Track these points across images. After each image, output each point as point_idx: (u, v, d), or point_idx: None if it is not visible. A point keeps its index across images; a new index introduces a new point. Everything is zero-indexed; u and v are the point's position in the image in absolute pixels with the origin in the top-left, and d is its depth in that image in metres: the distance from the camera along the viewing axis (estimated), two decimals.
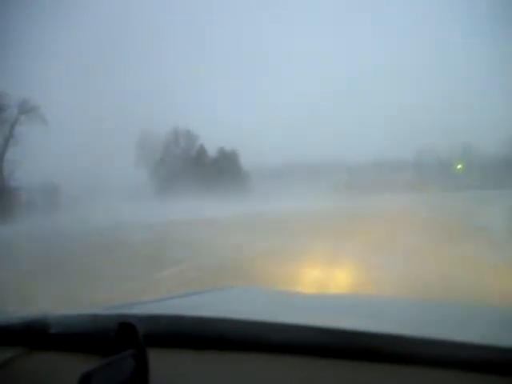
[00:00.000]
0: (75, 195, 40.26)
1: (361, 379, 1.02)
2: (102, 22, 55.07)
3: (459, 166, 53.10)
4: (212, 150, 56.10)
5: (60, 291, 7.32)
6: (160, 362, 1.05)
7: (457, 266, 8.91)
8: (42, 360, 1.22)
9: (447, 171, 50.90)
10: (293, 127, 55.39)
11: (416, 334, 1.07)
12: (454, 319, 1.48)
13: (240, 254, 11.54)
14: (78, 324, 1.31)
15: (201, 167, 51.76)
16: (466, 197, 33.23)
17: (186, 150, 56.23)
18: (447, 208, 26.49)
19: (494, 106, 50.64)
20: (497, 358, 0.98)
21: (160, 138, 54.36)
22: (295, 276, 8.71)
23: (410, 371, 1.01)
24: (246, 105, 63.89)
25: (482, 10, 49.99)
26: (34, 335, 1.27)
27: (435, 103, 54.40)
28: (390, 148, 51.49)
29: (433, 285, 6.85)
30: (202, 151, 55.72)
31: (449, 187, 44.92)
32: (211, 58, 71.65)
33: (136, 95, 51.77)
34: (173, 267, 9.83)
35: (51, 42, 44.81)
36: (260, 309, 1.65)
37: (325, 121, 56.33)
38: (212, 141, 53.96)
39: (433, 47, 60.83)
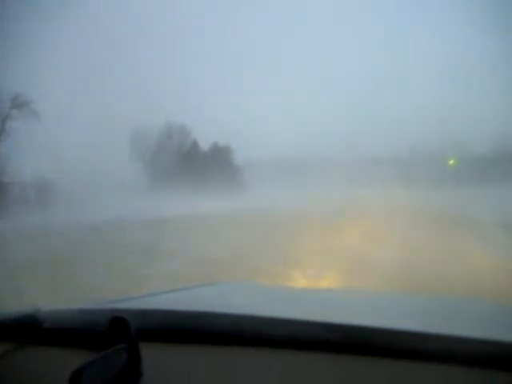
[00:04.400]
0: (68, 191, 40.05)
1: (359, 374, 1.02)
2: (96, 16, 54.68)
3: (451, 162, 53.36)
4: (206, 145, 56.03)
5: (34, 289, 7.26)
6: (152, 356, 1.05)
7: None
8: (34, 355, 1.22)
9: (439, 167, 51.07)
10: (287, 123, 55.35)
11: (415, 328, 1.08)
12: (452, 314, 1.49)
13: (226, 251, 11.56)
14: (70, 319, 1.30)
15: (194, 162, 51.62)
16: (455, 191, 33.54)
17: (180, 145, 56.07)
18: (436, 202, 26.72)
19: (486, 104, 50.92)
20: (498, 352, 0.98)
21: (153, 133, 54.19)
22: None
23: (409, 366, 1.01)
24: (240, 100, 63.70)
25: (478, 10, 50.09)
26: (26, 330, 1.26)
27: (429, 101, 54.54)
28: (384, 144, 51.63)
29: None
30: (195, 146, 55.57)
31: (441, 182, 45.04)
32: (205, 54, 71.38)
33: (129, 90, 51.50)
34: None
35: (44, 36, 44.45)
36: (254, 303, 1.65)
37: (319, 117, 56.32)
38: (206, 136, 53.88)
39: (427, 47, 60.95)
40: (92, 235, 17.30)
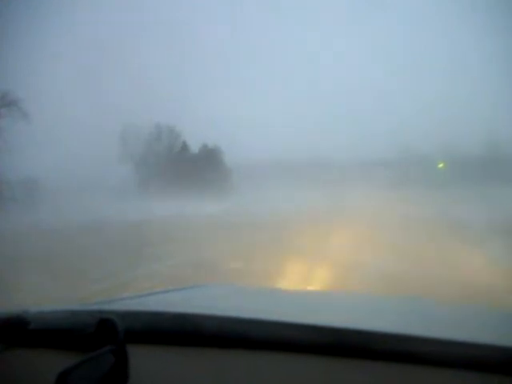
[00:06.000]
0: (56, 191, 39.74)
1: (345, 376, 1.02)
2: (87, 15, 54.44)
3: (441, 165, 53.75)
4: (195, 147, 55.90)
5: None
6: (140, 357, 1.04)
7: None
8: (20, 356, 1.20)
9: (429, 170, 51.41)
10: (278, 126, 55.44)
11: (404, 331, 1.08)
12: (442, 318, 1.50)
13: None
14: (58, 320, 1.29)
15: (183, 164, 51.47)
16: (444, 194, 33.77)
17: (169, 146, 55.88)
18: (424, 203, 26.90)
19: (476, 108, 51.49)
20: (488, 356, 0.99)
21: (143, 134, 53.96)
22: None
23: (399, 369, 1.01)
24: (231, 102, 63.67)
25: (472, 15, 50.73)
26: (12, 331, 1.25)
27: (420, 104, 54.96)
28: (375, 147, 51.90)
29: None
30: (184, 148, 55.41)
31: (430, 184, 45.37)
32: (195, 55, 71.29)
33: (119, 91, 51.31)
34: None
35: (34, 35, 44.15)
36: (240, 305, 1.65)
37: (310, 120, 56.50)
38: (195, 137, 53.79)
39: (419, 51, 61.47)
40: (77, 236, 17.14)
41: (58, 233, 18.09)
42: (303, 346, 1.10)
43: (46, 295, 6.80)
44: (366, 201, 29.59)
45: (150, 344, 1.19)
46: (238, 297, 1.93)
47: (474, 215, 17.03)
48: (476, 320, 1.48)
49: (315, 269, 8.91)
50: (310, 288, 7.37)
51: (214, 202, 33.62)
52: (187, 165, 51.33)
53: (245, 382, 1.04)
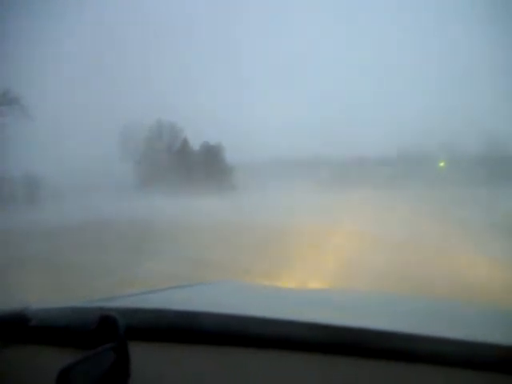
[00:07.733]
0: (57, 189, 39.81)
1: (345, 374, 1.02)
2: (86, 12, 54.39)
3: (442, 164, 53.73)
4: (196, 144, 55.85)
5: None
6: (141, 355, 1.04)
7: None
8: (21, 353, 1.20)
9: (430, 168, 51.36)
10: (279, 124, 55.41)
11: (402, 329, 1.08)
12: (440, 316, 1.49)
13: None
14: (59, 317, 1.29)
15: (184, 161, 51.41)
16: (445, 193, 33.74)
17: (170, 143, 55.84)
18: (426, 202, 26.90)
19: (477, 106, 51.46)
20: (484, 354, 0.99)
21: (144, 132, 53.97)
22: None
23: (397, 367, 1.01)
24: (233, 99, 63.69)
25: (473, 15, 50.62)
26: (14, 328, 1.25)
27: (420, 101, 54.94)
28: (375, 145, 51.86)
29: None
30: (185, 145, 55.34)
31: (431, 183, 45.32)
32: (197, 51, 71.25)
33: (120, 88, 51.33)
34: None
35: (34, 31, 44.12)
36: (243, 303, 1.65)
37: (310, 118, 56.46)
38: (197, 135, 53.77)
39: (419, 47, 61.42)
40: (78, 234, 17.13)
41: (59, 230, 18.09)
42: (306, 343, 1.09)
43: (47, 292, 6.80)
44: (365, 198, 29.56)
45: (152, 341, 1.18)
46: (240, 295, 1.93)
47: (476, 215, 17.00)
48: (474, 318, 1.48)
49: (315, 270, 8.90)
50: (312, 286, 7.37)
51: (215, 200, 33.58)
52: (188, 162, 51.27)
53: (247, 379, 1.04)
